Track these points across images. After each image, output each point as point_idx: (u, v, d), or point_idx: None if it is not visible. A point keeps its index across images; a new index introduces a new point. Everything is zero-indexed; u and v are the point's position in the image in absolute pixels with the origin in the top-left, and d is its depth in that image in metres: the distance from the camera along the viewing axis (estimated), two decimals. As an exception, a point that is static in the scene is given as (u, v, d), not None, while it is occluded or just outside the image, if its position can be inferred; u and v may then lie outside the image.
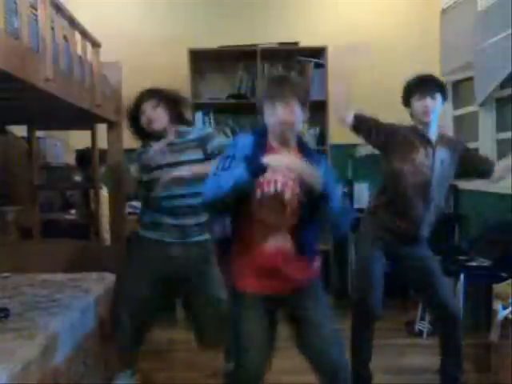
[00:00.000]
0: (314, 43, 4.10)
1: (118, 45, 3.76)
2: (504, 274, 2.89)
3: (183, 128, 2.50)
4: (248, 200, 1.77)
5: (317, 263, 1.95)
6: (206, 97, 4.30)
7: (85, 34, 2.35)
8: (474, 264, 3.15)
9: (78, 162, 4.04)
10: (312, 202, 1.78)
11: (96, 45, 2.49)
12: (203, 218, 2.41)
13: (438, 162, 2.42)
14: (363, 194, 4.12)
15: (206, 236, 2.44)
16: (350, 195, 4.10)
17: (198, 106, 4.13)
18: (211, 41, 4.14)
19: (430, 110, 2.39)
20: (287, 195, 1.75)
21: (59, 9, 1.99)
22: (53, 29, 1.89)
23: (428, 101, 2.38)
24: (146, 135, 2.49)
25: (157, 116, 2.40)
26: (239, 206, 1.80)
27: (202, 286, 2.43)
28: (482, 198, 3.63)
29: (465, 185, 3.89)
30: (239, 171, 1.69)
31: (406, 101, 2.48)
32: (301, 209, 1.80)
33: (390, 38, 4.26)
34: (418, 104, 2.41)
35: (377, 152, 2.59)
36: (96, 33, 2.47)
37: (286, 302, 1.91)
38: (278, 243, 1.83)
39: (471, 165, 2.52)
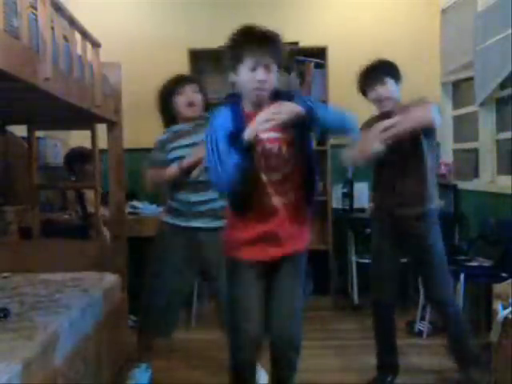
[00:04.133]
0: (314, 43, 4.10)
1: (118, 45, 3.77)
2: (504, 274, 2.89)
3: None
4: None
5: (307, 231, 1.98)
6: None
7: (85, 34, 2.35)
8: (474, 264, 3.15)
9: (67, 163, 3.88)
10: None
11: (96, 45, 2.49)
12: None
13: None
14: (363, 193, 4.12)
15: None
16: (350, 195, 4.10)
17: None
18: (211, 41, 4.13)
19: (383, 98, 2.35)
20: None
21: (59, 9, 1.99)
22: (53, 29, 1.89)
23: (379, 89, 2.34)
24: (171, 120, 2.54)
25: (197, 101, 2.48)
26: None
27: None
28: (482, 197, 3.63)
29: (465, 185, 3.89)
30: (232, 161, 1.73)
31: (363, 92, 2.44)
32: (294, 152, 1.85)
33: (390, 38, 4.26)
34: (370, 95, 2.38)
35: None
36: (96, 33, 2.47)
37: (273, 268, 1.93)
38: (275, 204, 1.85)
39: None
